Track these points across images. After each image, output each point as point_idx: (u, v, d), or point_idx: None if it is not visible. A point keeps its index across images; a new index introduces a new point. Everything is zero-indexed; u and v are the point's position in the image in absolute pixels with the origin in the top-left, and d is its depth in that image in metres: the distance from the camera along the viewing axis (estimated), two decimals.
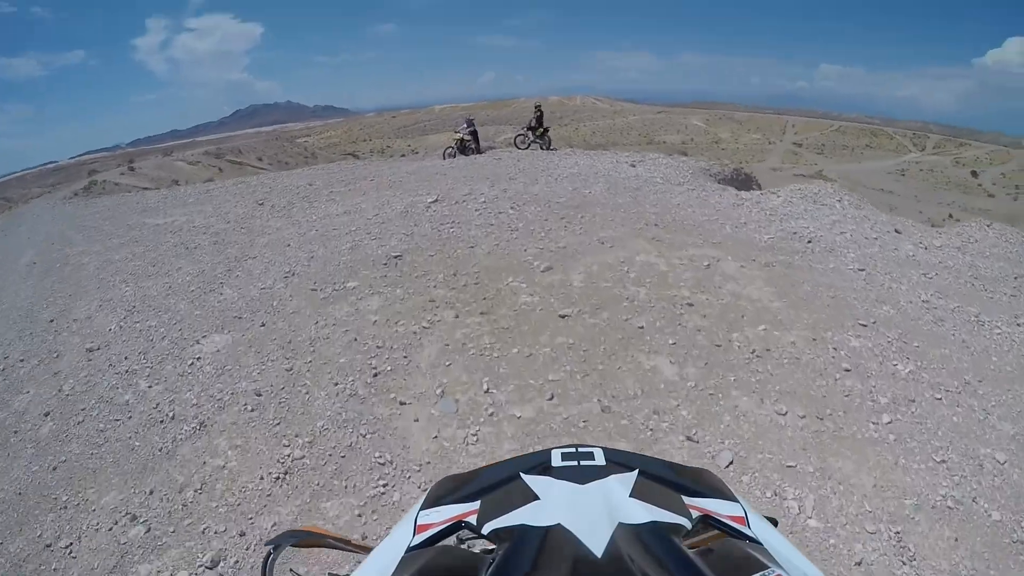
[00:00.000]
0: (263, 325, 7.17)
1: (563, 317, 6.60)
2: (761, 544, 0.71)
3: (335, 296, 7.68)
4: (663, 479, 0.81)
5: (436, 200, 11.89)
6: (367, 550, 1.08)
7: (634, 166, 15.52)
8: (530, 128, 20.63)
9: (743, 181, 17.49)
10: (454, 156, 20.18)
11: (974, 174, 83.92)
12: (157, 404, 5.93)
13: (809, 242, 8.89)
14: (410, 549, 0.73)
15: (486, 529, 0.72)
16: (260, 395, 5.79)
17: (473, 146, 21.08)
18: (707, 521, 0.74)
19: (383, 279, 8.00)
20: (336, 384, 5.82)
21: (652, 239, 8.83)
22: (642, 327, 6.37)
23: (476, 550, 0.96)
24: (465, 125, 21.45)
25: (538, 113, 20.59)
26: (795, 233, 9.32)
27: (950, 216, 57.07)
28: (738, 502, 0.79)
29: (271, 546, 1.17)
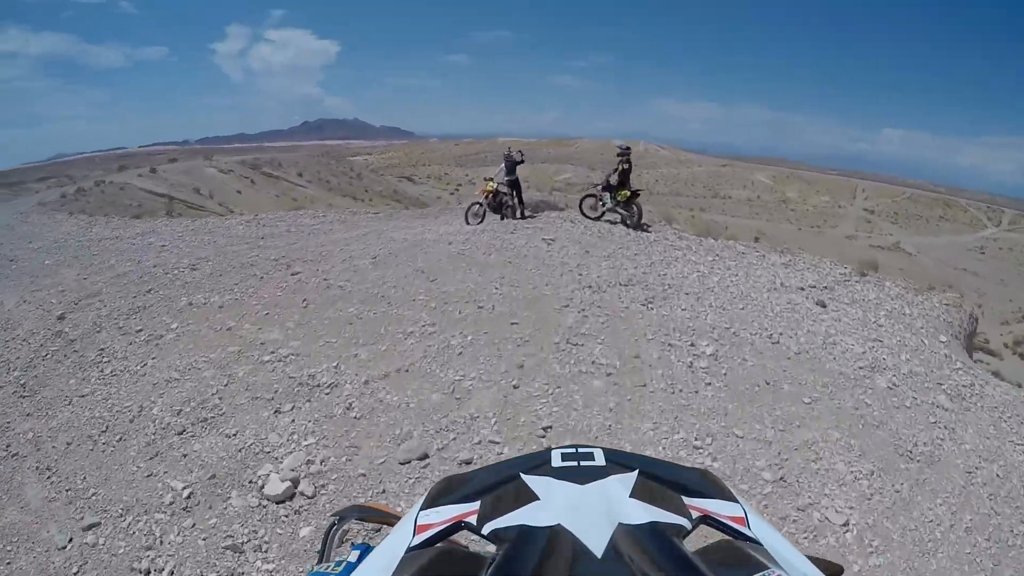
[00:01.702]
0: None
1: None
2: (761, 544, 0.70)
3: None
4: (663, 479, 0.79)
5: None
6: None
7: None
8: (607, 186, 12.81)
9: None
10: (481, 218, 13.58)
11: None
12: None
13: None
14: (410, 549, 0.71)
15: (486, 529, 0.71)
16: None
17: (511, 203, 13.67)
18: (707, 521, 0.74)
19: None
20: None
21: None
22: None
23: (476, 550, 0.88)
24: (503, 167, 13.99)
25: (624, 165, 12.56)
26: None
27: None
28: (738, 502, 0.78)
29: (336, 517, 1.27)
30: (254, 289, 8.85)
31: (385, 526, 1.28)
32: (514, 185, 13.70)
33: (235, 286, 9.00)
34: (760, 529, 0.73)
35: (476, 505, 0.76)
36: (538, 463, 0.82)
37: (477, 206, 13.41)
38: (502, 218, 13.63)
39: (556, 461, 0.82)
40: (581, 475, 0.77)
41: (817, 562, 0.83)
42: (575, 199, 15.30)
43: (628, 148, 13.00)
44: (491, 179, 13.73)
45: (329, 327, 7.40)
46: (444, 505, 0.79)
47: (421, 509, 0.80)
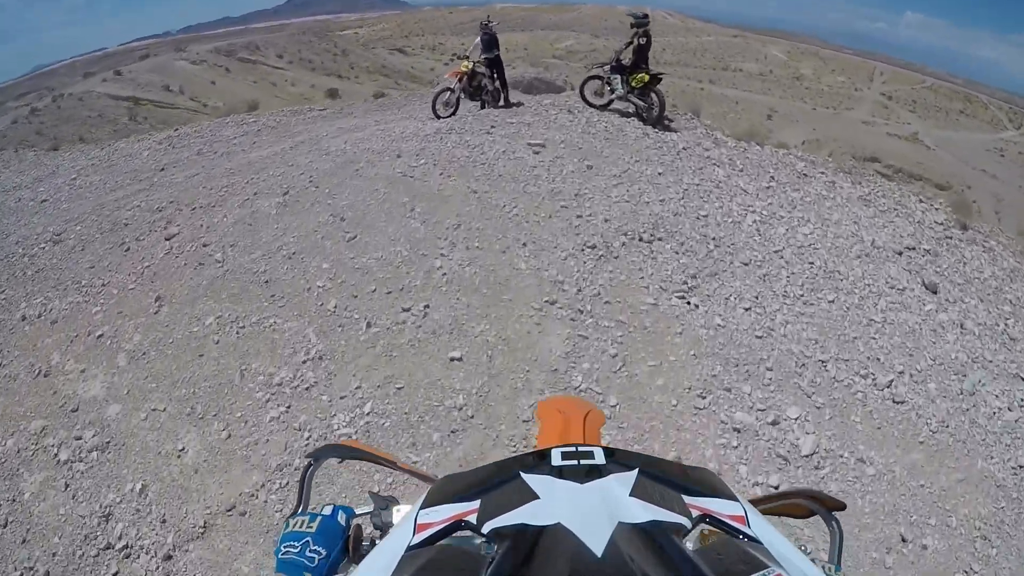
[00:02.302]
0: None
1: None
2: (761, 544, 0.68)
3: None
4: (663, 478, 0.77)
5: None
6: (414, 473, 1.23)
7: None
8: (617, 67, 9.58)
9: None
10: (453, 108, 10.46)
11: None
12: None
13: None
14: (410, 548, 0.69)
15: (486, 528, 0.69)
16: None
17: (491, 88, 10.88)
18: (707, 520, 0.72)
19: None
20: None
21: None
22: None
23: (476, 549, 0.81)
24: (479, 42, 10.76)
25: (640, 40, 9.35)
26: None
27: None
28: (738, 501, 0.76)
29: (311, 458, 1.15)
30: (109, 276, 5.95)
31: (370, 464, 1.13)
32: (494, 64, 10.43)
33: (88, 271, 6.09)
34: (760, 528, 0.71)
35: (476, 504, 0.73)
36: (538, 462, 0.80)
37: (448, 92, 10.18)
38: (481, 106, 10.69)
39: (556, 460, 0.79)
40: (581, 474, 0.75)
41: (821, 497, 1.01)
42: (577, 75, 11.93)
43: (646, 16, 9.44)
44: (466, 57, 10.42)
45: (166, 368, 4.67)
46: (444, 504, 0.76)
47: (421, 508, 0.77)
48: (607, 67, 9.69)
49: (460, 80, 10.22)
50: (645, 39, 9.35)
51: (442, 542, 0.71)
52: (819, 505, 1.02)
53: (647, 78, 9.13)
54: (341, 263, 5.30)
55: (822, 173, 8.06)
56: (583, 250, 5.28)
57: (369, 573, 0.69)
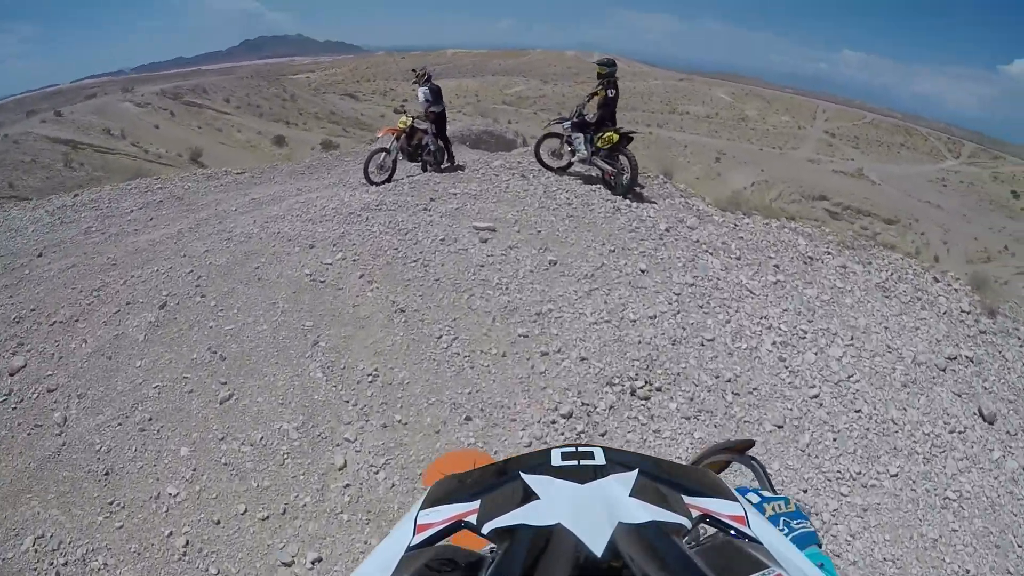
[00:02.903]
0: None
1: None
2: (761, 544, 0.67)
3: None
4: (663, 479, 0.74)
5: None
6: None
7: None
8: (579, 122, 8.24)
9: None
10: (389, 172, 8.93)
11: (1015, 194, 77.34)
12: None
13: None
14: (410, 549, 0.67)
15: (486, 529, 0.66)
16: None
17: (433, 147, 9.29)
18: (707, 521, 0.70)
19: None
20: None
21: None
22: None
23: (476, 550, 0.79)
24: (424, 93, 9.27)
25: (609, 91, 8.08)
26: None
27: (1006, 248, 53.50)
28: (738, 502, 0.74)
29: None
30: None
31: None
32: (439, 120, 8.96)
33: None
34: (760, 528, 0.70)
35: (476, 504, 0.70)
36: (538, 462, 0.76)
37: (383, 154, 8.63)
38: (423, 168, 9.16)
39: (556, 460, 0.76)
40: (581, 474, 0.72)
41: (730, 445, 1.15)
42: (526, 123, 10.49)
43: (613, 63, 8.06)
44: (406, 114, 8.94)
45: None
46: (444, 504, 0.73)
47: (421, 508, 0.74)
48: (567, 123, 8.21)
49: (397, 139, 8.72)
50: (614, 91, 7.98)
51: (442, 543, 0.68)
52: (731, 453, 1.15)
53: (616, 138, 7.63)
54: (206, 449, 3.67)
55: (828, 254, 6.70)
56: (554, 422, 3.72)
57: (369, 573, 0.64)
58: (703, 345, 4.67)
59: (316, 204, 7.29)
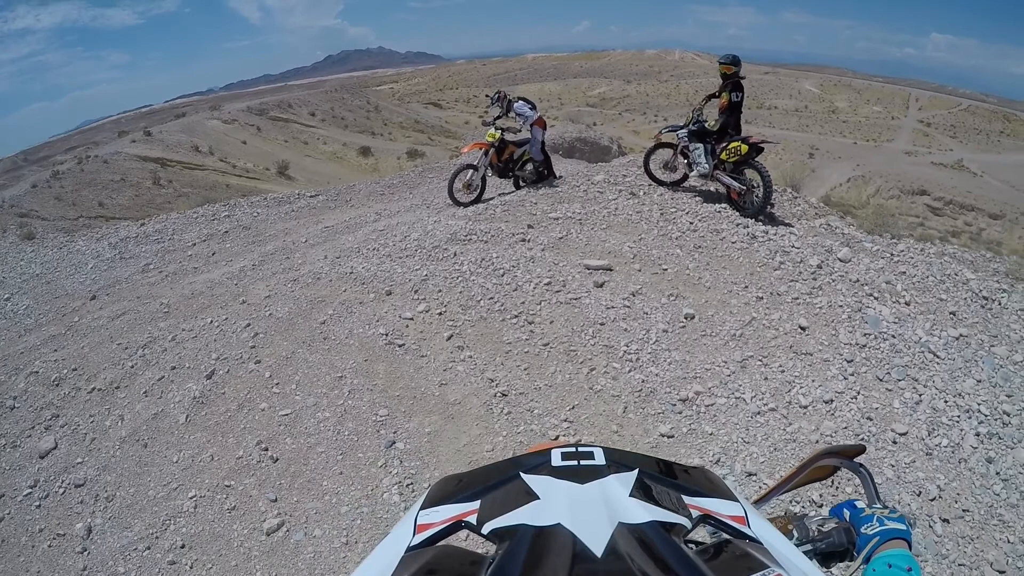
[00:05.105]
0: None
1: None
2: (761, 544, 0.66)
3: None
4: (663, 479, 0.74)
5: None
6: None
7: None
8: (698, 130, 6.94)
9: None
10: (478, 192, 7.90)
11: None
12: None
13: None
14: (410, 549, 0.66)
15: (486, 529, 0.65)
16: None
17: (536, 160, 8.19)
18: (707, 520, 0.70)
19: None
20: None
21: None
22: None
23: (476, 550, 0.76)
24: (516, 110, 8.01)
25: (734, 95, 6.83)
26: None
27: None
28: (738, 501, 0.74)
29: None
30: None
31: None
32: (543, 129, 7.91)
33: None
34: (760, 528, 0.69)
35: (476, 504, 0.70)
36: (538, 462, 0.75)
37: (470, 171, 7.62)
38: (516, 185, 8.13)
39: (556, 460, 0.75)
40: (581, 474, 0.71)
41: (838, 450, 1.04)
42: (613, 124, 9.27)
43: (738, 60, 6.71)
44: (494, 125, 7.89)
45: None
46: (444, 505, 0.72)
47: (421, 509, 0.73)
48: (682, 132, 6.93)
49: (486, 154, 7.67)
50: (740, 94, 6.64)
51: (442, 543, 0.67)
52: (839, 458, 1.06)
53: (745, 149, 6.30)
54: None
55: (1002, 291, 5.10)
56: None
57: (369, 573, 0.63)
58: (895, 444, 3.35)
59: (396, 232, 6.34)
